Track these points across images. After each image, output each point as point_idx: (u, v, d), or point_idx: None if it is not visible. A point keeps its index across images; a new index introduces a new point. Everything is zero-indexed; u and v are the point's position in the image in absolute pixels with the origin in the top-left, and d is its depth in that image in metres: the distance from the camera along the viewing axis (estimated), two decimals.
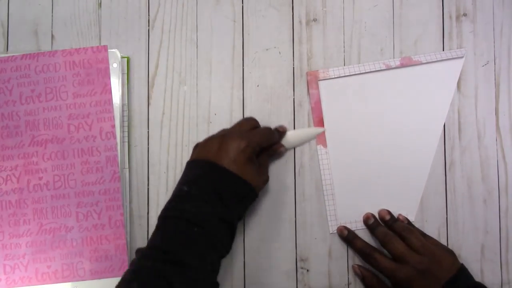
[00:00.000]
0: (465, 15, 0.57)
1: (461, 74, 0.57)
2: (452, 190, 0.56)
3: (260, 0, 0.57)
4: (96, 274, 0.52)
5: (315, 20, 0.57)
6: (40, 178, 0.53)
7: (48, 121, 0.54)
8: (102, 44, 0.56)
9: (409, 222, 0.55)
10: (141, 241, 0.55)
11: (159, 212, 0.55)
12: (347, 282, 0.55)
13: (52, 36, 0.57)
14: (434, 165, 0.56)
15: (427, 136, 0.56)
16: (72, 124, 0.53)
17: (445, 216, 0.56)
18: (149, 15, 0.57)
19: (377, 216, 0.55)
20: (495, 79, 0.57)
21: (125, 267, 0.52)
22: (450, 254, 0.51)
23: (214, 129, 0.56)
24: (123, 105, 0.55)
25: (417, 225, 0.56)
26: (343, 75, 0.56)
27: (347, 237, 0.54)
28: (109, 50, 0.54)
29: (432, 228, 0.56)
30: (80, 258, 0.52)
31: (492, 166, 0.56)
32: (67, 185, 0.53)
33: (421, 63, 0.56)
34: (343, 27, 0.57)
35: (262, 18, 0.57)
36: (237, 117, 0.56)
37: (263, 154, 0.52)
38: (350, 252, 0.55)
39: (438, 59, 0.56)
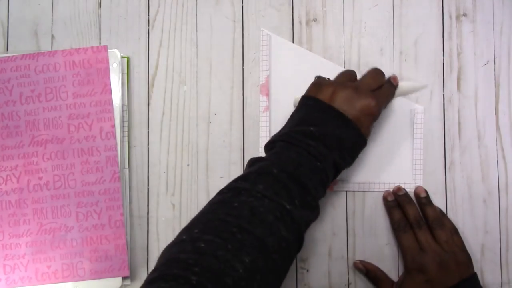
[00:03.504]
0: (465, 15, 0.57)
1: (461, 74, 0.57)
2: (452, 190, 0.56)
3: (260, 0, 0.57)
4: (96, 274, 0.52)
5: (315, 20, 0.57)
6: (40, 178, 0.53)
7: (48, 121, 0.54)
8: (102, 44, 0.56)
9: (441, 212, 0.54)
10: (141, 241, 0.55)
11: (159, 212, 0.55)
12: (347, 282, 0.55)
13: (52, 36, 0.57)
14: (434, 165, 0.56)
15: None
16: (72, 124, 0.53)
17: None
18: (149, 15, 0.57)
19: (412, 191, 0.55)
20: (495, 79, 0.57)
21: (125, 267, 0.52)
22: (468, 258, 0.51)
23: (214, 129, 0.56)
24: (123, 105, 0.55)
25: None
26: None
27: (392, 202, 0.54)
28: (109, 50, 0.54)
29: None
30: (80, 258, 0.52)
31: (492, 166, 0.56)
32: (67, 185, 0.53)
33: (270, 76, 0.54)
34: (343, 27, 0.57)
35: (262, 18, 0.57)
36: (237, 117, 0.56)
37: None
38: (350, 252, 0.55)
39: (267, 59, 0.56)
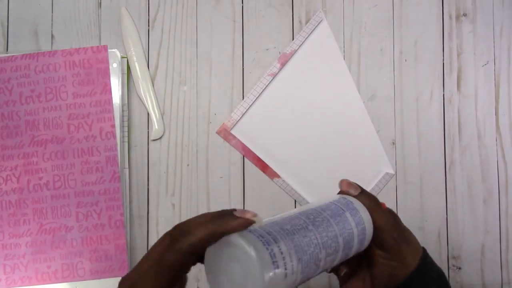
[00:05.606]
0: (465, 15, 0.57)
1: (461, 74, 0.57)
2: (452, 190, 0.56)
3: (260, 0, 0.57)
4: (96, 274, 0.52)
5: None
6: (40, 178, 0.53)
7: (48, 121, 0.54)
8: (102, 44, 0.56)
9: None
10: (141, 241, 0.55)
11: (159, 212, 0.55)
12: None
13: (52, 36, 0.57)
14: (434, 165, 0.56)
15: (350, 101, 0.57)
16: (72, 124, 0.53)
17: (445, 216, 0.56)
18: (149, 15, 0.57)
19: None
20: (495, 79, 0.57)
21: (125, 267, 0.52)
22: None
23: (214, 129, 0.56)
24: (123, 105, 0.55)
25: (416, 225, 0.56)
26: (246, 109, 0.56)
27: None
28: (109, 50, 0.54)
29: (432, 228, 0.56)
30: (80, 258, 0.52)
31: (492, 166, 0.56)
32: (67, 185, 0.53)
33: (296, 51, 0.56)
34: (343, 27, 0.57)
35: (262, 18, 0.57)
36: None
37: None
38: None
39: (305, 37, 0.56)
